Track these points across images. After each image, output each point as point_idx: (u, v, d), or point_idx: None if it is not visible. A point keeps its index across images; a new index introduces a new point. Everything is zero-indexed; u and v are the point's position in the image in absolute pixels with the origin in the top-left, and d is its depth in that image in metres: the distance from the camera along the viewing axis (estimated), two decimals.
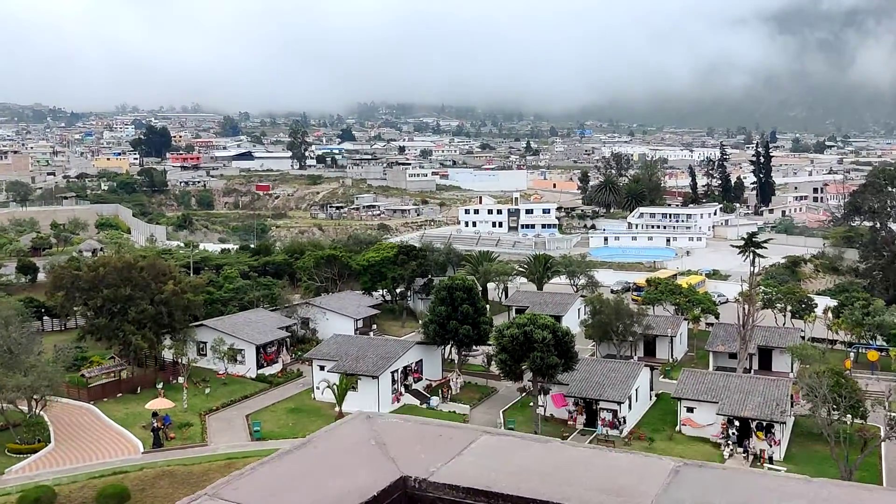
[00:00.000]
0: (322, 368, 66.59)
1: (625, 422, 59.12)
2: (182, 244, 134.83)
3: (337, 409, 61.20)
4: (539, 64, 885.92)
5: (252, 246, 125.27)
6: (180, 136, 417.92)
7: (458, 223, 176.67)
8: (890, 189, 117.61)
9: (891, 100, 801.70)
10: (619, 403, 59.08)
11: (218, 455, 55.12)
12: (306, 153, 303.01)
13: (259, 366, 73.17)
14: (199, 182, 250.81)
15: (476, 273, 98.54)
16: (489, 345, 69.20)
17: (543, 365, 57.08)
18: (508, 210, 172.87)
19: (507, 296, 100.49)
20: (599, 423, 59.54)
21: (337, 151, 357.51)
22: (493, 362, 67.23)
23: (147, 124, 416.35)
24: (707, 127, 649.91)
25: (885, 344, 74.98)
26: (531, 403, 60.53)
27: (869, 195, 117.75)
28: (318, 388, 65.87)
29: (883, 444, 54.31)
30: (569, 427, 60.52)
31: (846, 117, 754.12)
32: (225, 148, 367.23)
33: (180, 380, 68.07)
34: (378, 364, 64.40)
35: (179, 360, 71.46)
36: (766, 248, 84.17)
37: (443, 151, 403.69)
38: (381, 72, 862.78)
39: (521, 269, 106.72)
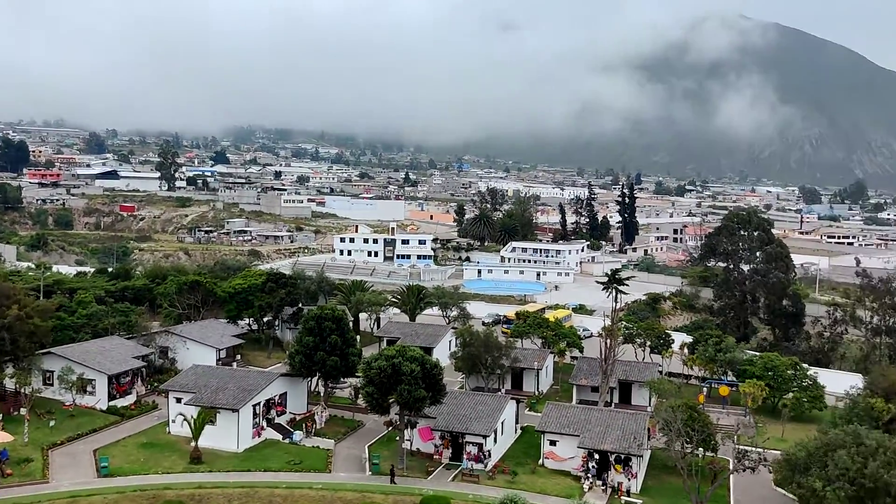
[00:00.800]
0: (179, 401, 63.27)
1: (490, 455, 59.17)
2: (33, 265, 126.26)
3: (193, 443, 58.22)
4: (421, 98, 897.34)
5: (111, 269, 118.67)
6: (40, 151, 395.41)
7: (333, 251, 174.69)
8: (742, 233, 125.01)
9: (746, 149, 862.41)
10: (485, 437, 59.13)
11: (60, 493, 51.22)
12: (176, 174, 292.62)
13: (111, 397, 68.72)
14: (57, 200, 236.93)
15: (348, 303, 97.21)
16: (357, 377, 67.96)
17: (411, 398, 56.51)
18: (385, 240, 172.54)
19: (378, 326, 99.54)
20: (465, 456, 59.33)
21: (209, 174, 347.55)
22: (360, 395, 66.01)
23: (3, 137, 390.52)
24: (577, 167, 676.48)
25: (734, 379, 78.91)
26: (397, 437, 59.70)
27: (723, 238, 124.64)
28: (173, 421, 62.52)
29: (732, 476, 56.81)
30: (434, 461, 59.97)
31: (706, 163, 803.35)
32: (89, 165, 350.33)
33: (22, 411, 63.00)
34: (239, 396, 61.85)
35: (22, 390, 66.13)
36: (627, 284, 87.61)
37: (321, 178, 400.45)
38: (260, 95, 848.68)
39: (394, 299, 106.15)
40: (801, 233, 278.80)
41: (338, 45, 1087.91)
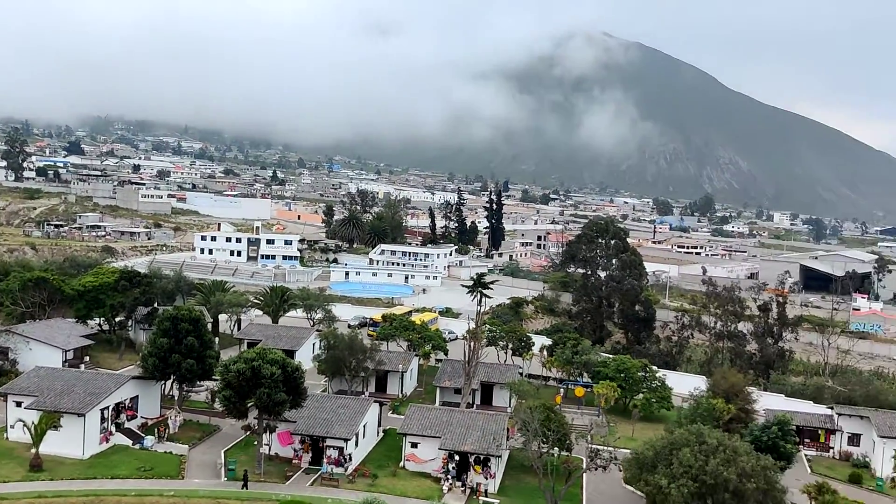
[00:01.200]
0: (19, 405, 58.97)
1: (350, 459, 58.61)
2: None
3: (33, 450, 54.40)
4: (293, 95, 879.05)
5: None
6: None
7: (194, 250, 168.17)
8: (600, 241, 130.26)
9: (606, 161, 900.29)
10: (346, 440, 58.52)
11: None
12: (24, 164, 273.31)
13: None
14: None
15: (207, 303, 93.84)
16: (215, 380, 65.61)
17: (270, 402, 55.18)
18: (249, 239, 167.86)
19: (239, 328, 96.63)
20: (325, 461, 58.46)
21: (61, 165, 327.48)
22: (217, 399, 63.72)
23: None
24: (449, 172, 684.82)
25: (590, 381, 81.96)
26: (255, 442, 58.10)
27: (582, 245, 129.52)
28: (12, 426, 58.20)
29: (585, 474, 58.89)
30: (293, 466, 58.78)
31: (569, 174, 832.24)
32: None
33: None
34: (86, 400, 58.32)
35: None
36: (492, 288, 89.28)
37: (182, 174, 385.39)
38: (120, 85, 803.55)
39: (256, 300, 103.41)
40: (654, 242, 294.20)
41: (209, 38, 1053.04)
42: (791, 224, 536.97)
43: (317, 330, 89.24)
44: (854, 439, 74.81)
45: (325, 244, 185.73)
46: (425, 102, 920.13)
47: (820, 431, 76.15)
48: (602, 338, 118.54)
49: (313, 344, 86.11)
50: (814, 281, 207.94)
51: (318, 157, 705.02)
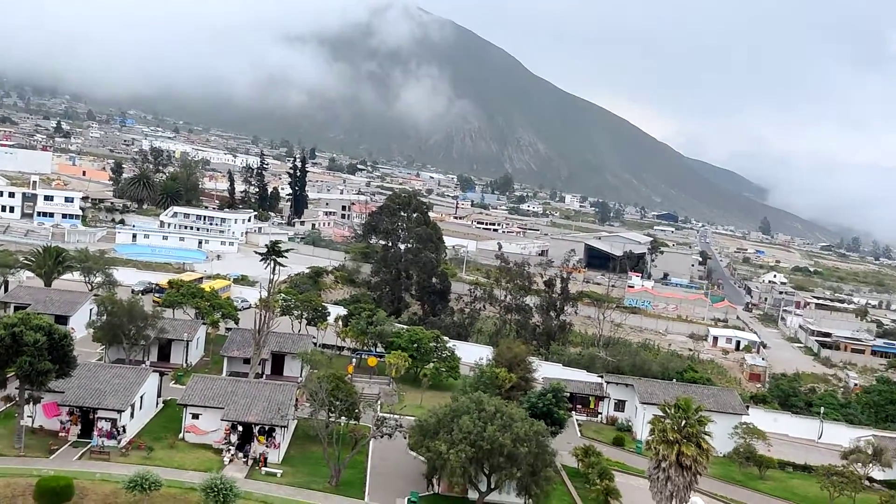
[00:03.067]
0: None
1: (124, 431, 55.38)
2: None
3: None
4: (87, 42, 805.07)
5: None
6: None
7: None
8: (402, 213, 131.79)
9: (415, 135, 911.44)
10: (120, 412, 55.19)
11: None
12: None
13: None
14: None
15: None
16: None
17: (33, 371, 50.72)
18: (24, 194, 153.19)
19: (6, 291, 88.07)
20: (96, 433, 54.84)
21: None
22: None
23: None
24: (254, 135, 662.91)
25: (383, 351, 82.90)
26: (16, 414, 53.29)
27: (384, 217, 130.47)
28: None
29: (371, 442, 59.59)
30: (60, 439, 54.63)
31: (379, 145, 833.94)
32: None
33: None
34: None
35: None
36: (286, 256, 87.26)
37: None
38: None
39: (27, 261, 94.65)
40: (456, 217, 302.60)
41: None
42: (580, 206, 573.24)
43: (95, 295, 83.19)
44: (620, 405, 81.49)
45: (112, 203, 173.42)
46: (235, 61, 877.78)
47: (590, 398, 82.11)
48: (399, 309, 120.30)
49: (90, 310, 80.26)
50: (596, 259, 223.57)
51: (110, 109, 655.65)
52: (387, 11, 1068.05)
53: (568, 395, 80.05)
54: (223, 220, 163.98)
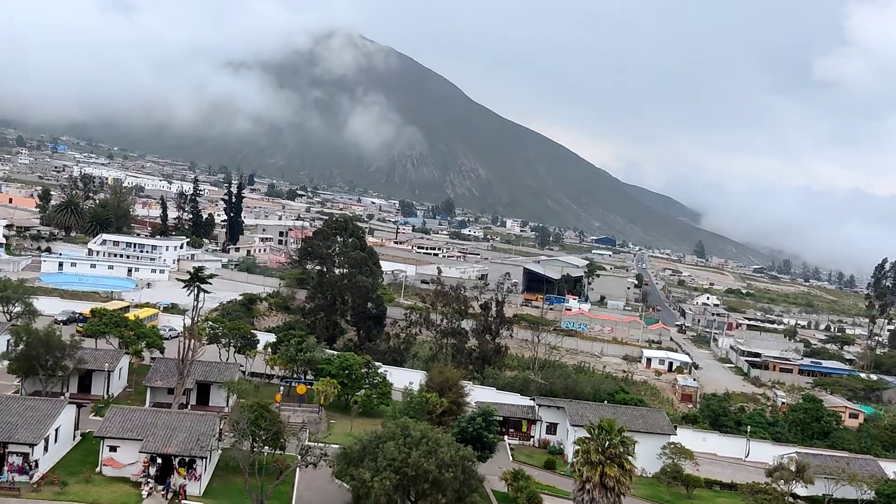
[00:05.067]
0: None
1: (36, 466, 53.17)
2: None
3: None
4: (21, 68, 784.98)
5: None
6: None
7: None
8: (338, 238, 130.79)
9: (356, 161, 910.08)
10: (32, 446, 53.00)
11: None
12: None
13: None
14: None
15: None
16: None
17: None
18: None
19: None
20: (6, 468, 52.49)
21: None
22: None
23: None
24: (190, 161, 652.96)
25: (313, 378, 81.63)
26: None
27: (319, 242, 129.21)
28: None
29: (298, 471, 58.41)
30: None
31: (320, 171, 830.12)
32: None
33: None
34: None
35: None
36: (210, 283, 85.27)
37: None
38: None
39: None
40: (396, 242, 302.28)
41: None
42: (521, 230, 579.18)
43: (13, 324, 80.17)
44: (552, 428, 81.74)
45: (39, 231, 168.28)
46: (176, 88, 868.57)
47: (523, 421, 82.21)
48: (335, 335, 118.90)
49: (8, 340, 77.15)
50: (535, 283, 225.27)
51: (41, 136, 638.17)
52: (330, 39, 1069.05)
53: (500, 419, 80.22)
54: (154, 247, 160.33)
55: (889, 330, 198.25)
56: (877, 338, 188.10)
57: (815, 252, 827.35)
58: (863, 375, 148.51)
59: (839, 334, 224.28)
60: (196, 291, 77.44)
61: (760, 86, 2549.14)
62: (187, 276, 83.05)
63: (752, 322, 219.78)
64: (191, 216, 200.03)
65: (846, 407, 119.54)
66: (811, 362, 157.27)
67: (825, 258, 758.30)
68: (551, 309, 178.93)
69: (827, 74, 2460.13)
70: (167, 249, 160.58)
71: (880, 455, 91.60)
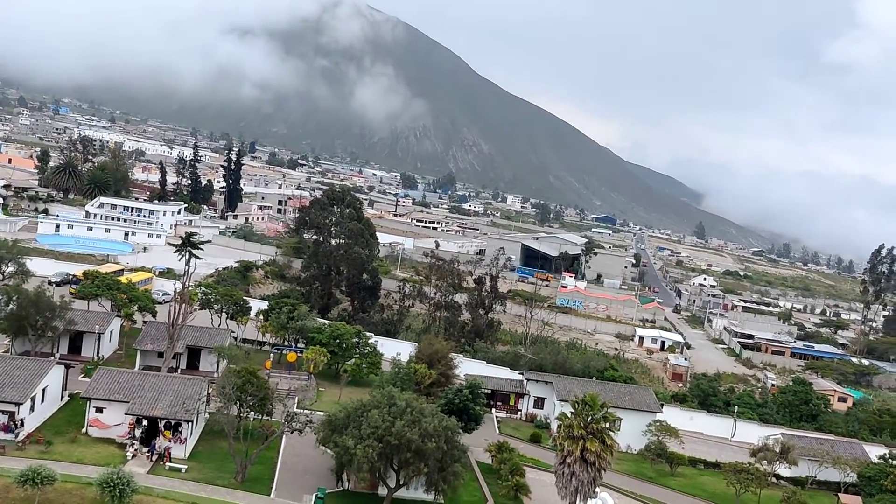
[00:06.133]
0: None
1: (22, 425, 53.57)
2: None
3: None
4: (25, 28, 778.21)
5: None
6: None
7: None
8: (335, 208, 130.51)
9: (359, 132, 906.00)
10: (18, 405, 53.35)
11: None
12: None
13: None
14: None
15: None
16: None
17: None
18: None
19: None
20: None
21: None
22: None
23: None
24: (193, 127, 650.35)
25: (303, 346, 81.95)
26: None
27: (315, 212, 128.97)
28: None
29: (284, 437, 58.82)
30: None
31: (322, 141, 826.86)
32: None
33: None
34: None
35: None
36: (202, 248, 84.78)
37: None
38: None
39: None
40: (396, 215, 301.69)
41: None
42: (522, 207, 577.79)
43: (3, 284, 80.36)
44: (539, 402, 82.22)
45: (37, 192, 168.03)
46: (184, 53, 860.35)
47: (511, 395, 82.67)
48: (329, 305, 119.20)
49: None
50: (533, 259, 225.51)
51: (44, 97, 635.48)
52: (337, 8, 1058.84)
53: (489, 392, 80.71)
54: (151, 212, 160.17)
55: (884, 316, 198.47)
56: (871, 323, 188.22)
57: (816, 237, 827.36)
58: (855, 360, 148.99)
59: (834, 318, 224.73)
60: (188, 257, 77.37)
61: (770, 69, 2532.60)
62: (179, 241, 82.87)
63: (747, 304, 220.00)
64: (190, 182, 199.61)
65: (835, 391, 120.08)
66: (804, 345, 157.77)
67: (826, 243, 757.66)
68: (546, 285, 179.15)
69: (837, 58, 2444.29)
70: (164, 214, 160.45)
71: (867, 439, 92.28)
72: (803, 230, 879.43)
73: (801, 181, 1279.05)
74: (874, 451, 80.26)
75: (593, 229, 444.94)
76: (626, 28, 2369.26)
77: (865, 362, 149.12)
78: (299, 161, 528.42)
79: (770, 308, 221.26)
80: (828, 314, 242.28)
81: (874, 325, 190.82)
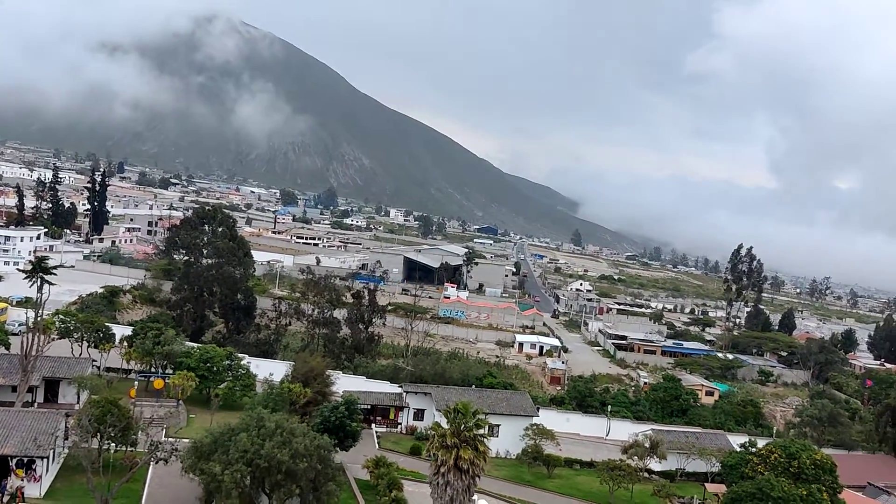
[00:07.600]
0: None
1: None
2: None
3: None
4: None
5: None
6: None
7: None
8: (206, 227, 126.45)
9: (234, 149, 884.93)
10: None
11: None
12: None
13: None
14: None
15: None
16: None
17: None
18: None
19: None
20: None
21: None
22: None
23: None
24: (55, 148, 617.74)
25: (171, 372, 78.68)
26: None
27: (185, 232, 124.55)
28: None
29: (151, 468, 56.13)
30: None
31: (196, 159, 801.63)
32: None
33: None
34: None
35: None
36: (55, 273, 79.88)
37: None
38: None
39: None
40: (275, 232, 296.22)
41: None
42: (405, 220, 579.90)
43: None
44: (419, 414, 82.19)
45: None
46: (48, 71, 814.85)
47: (391, 409, 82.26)
48: (202, 327, 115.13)
49: None
50: (415, 272, 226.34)
51: None
52: (210, 24, 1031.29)
53: (368, 407, 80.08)
54: (7, 238, 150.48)
55: (747, 311, 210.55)
56: (736, 319, 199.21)
57: (684, 239, 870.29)
58: (720, 355, 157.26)
59: (702, 317, 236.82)
60: (40, 283, 72.89)
61: (635, 81, 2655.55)
62: (29, 267, 78.00)
63: (621, 306, 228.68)
64: (50, 205, 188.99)
65: (703, 385, 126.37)
66: (673, 344, 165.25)
67: (693, 245, 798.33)
68: (429, 297, 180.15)
69: (697, 68, 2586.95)
70: (22, 241, 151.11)
71: (732, 429, 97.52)
72: (672, 234, 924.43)
73: (669, 187, 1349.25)
74: (737, 441, 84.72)
75: (475, 240, 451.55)
76: (496, 43, 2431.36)
77: (730, 357, 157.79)
78: (171, 180, 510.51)
79: (643, 309, 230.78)
80: (696, 313, 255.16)
81: (738, 321, 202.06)
